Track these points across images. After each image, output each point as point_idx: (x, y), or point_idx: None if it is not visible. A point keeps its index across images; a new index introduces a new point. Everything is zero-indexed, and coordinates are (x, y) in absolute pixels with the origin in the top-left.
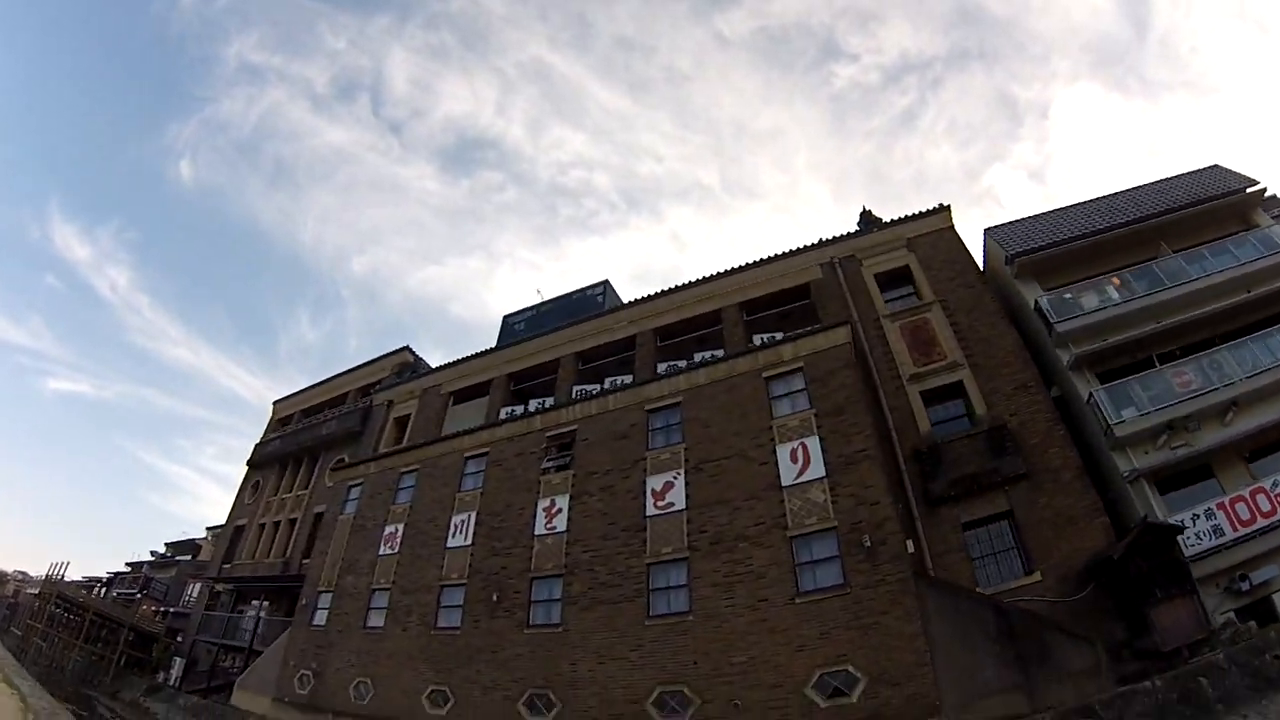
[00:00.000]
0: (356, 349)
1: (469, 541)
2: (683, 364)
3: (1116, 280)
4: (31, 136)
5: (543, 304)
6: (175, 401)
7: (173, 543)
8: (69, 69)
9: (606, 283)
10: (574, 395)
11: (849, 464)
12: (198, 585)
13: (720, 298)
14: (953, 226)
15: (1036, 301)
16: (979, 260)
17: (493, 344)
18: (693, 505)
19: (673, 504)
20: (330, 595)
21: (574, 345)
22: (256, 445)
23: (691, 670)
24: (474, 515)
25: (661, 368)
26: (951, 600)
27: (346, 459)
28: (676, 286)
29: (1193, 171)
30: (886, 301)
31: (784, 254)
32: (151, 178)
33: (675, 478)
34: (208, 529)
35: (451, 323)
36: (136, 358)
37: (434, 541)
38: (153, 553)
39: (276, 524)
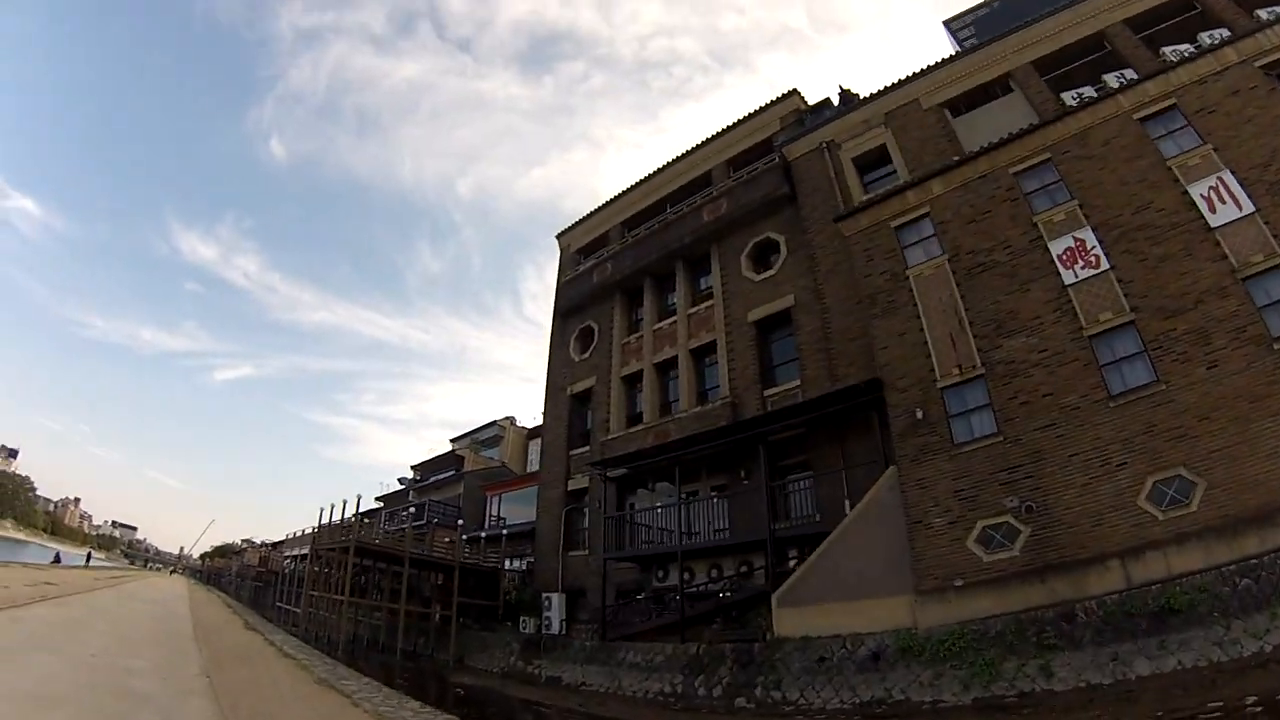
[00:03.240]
0: (482, 266)
1: None
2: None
3: None
4: (130, 158)
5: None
6: (326, 361)
7: (423, 463)
8: (143, 85)
9: None
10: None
11: None
12: (494, 497)
13: None
14: None
15: None
16: None
17: None
18: None
19: None
20: (979, 384)
21: (1116, 13)
22: (560, 287)
23: None
24: None
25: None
26: None
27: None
28: None
29: None
30: None
31: None
32: (247, 164)
33: None
34: (451, 440)
35: (569, 217)
36: (283, 331)
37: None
38: (400, 480)
39: (664, 364)
